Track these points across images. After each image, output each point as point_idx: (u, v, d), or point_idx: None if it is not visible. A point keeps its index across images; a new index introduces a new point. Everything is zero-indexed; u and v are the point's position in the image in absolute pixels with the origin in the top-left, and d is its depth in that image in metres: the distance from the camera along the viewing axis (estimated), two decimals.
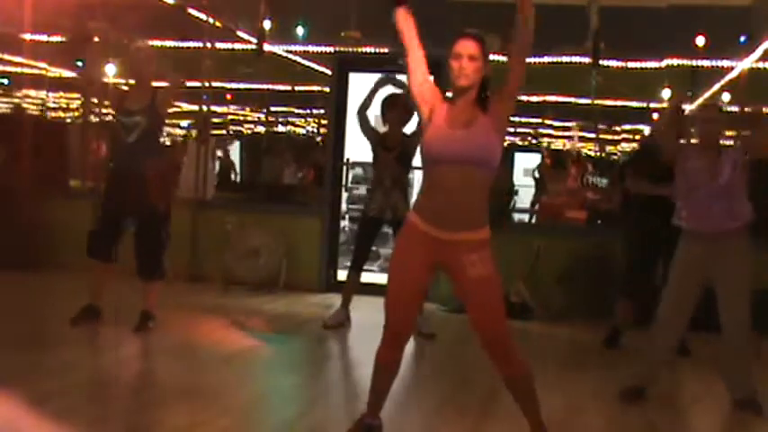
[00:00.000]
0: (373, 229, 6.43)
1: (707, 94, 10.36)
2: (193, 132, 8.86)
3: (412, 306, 3.41)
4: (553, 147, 14.11)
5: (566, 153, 12.59)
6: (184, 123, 12.60)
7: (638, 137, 12.14)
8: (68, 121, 13.00)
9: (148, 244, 5.62)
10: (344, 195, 8.91)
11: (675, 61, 9.76)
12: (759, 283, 6.94)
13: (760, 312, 5.42)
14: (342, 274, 8.16)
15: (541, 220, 9.99)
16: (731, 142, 6.11)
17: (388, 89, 6.51)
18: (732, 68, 9.31)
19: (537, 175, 11.82)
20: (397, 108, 6.22)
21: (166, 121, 5.84)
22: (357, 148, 8.19)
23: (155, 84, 5.70)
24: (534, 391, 3.52)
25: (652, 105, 10.43)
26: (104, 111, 11.27)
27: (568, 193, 10.31)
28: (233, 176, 13.34)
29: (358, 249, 6.54)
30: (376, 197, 6.35)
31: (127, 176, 5.51)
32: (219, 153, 12.79)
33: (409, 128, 6.41)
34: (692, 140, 5.16)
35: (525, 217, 11.26)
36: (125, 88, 6.30)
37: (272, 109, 14.45)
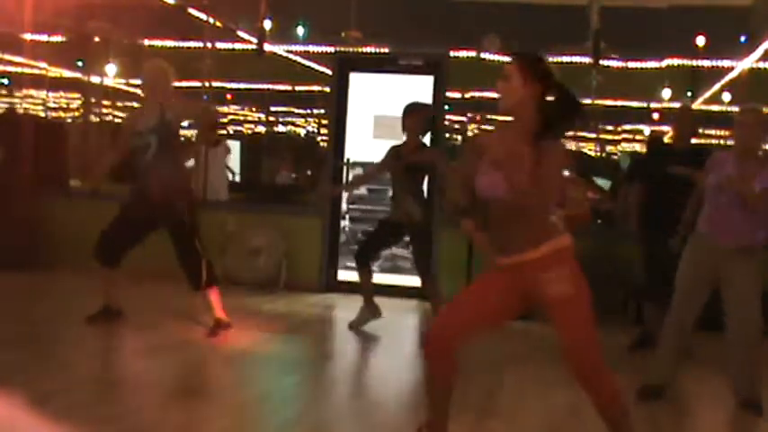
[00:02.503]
0: (389, 230, 6.40)
1: (707, 94, 10.37)
2: (191, 133, 8.84)
3: (469, 319, 3.20)
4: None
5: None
6: (185, 123, 12.61)
7: (638, 137, 12.16)
8: (68, 120, 13.01)
9: (187, 258, 5.61)
10: (345, 195, 8.92)
11: (675, 61, 9.77)
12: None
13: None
14: (342, 275, 8.16)
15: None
16: None
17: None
18: (732, 68, 9.32)
19: None
20: (417, 116, 6.16)
21: (180, 132, 5.81)
22: (357, 148, 8.20)
23: (166, 100, 5.62)
24: (625, 423, 3.30)
25: (652, 105, 10.44)
26: (105, 111, 11.30)
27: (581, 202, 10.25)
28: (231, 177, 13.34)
29: (365, 241, 6.56)
30: (392, 205, 6.39)
31: (148, 196, 5.50)
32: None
33: (427, 138, 6.40)
34: (731, 143, 5.05)
35: None
36: (137, 106, 6.26)
37: (273, 109, 14.47)
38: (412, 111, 6.19)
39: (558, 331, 3.11)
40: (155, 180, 5.48)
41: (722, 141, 13.12)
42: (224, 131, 14.85)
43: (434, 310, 6.15)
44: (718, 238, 4.54)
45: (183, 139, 5.91)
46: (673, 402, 4.88)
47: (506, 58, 3.09)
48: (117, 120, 11.55)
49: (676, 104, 9.93)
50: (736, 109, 9.33)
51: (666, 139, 8.61)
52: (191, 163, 8.76)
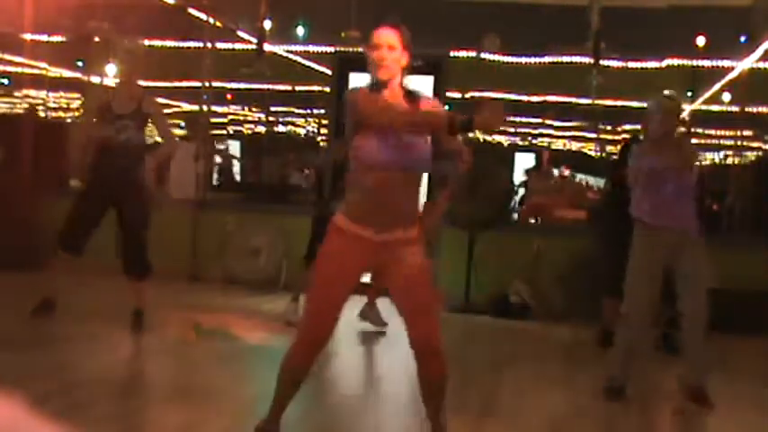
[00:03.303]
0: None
1: (707, 94, 10.37)
2: (178, 132, 8.82)
3: (339, 310, 3.18)
4: (553, 147, 14.13)
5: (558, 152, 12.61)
6: (182, 123, 12.61)
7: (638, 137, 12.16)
8: (68, 120, 13.00)
9: (135, 244, 5.61)
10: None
11: (675, 61, 9.77)
12: (760, 283, 7.00)
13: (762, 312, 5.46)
14: None
15: (523, 219, 9.88)
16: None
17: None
18: (732, 68, 9.32)
19: (524, 176, 11.77)
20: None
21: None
22: None
23: (142, 85, 5.69)
24: (444, 394, 3.29)
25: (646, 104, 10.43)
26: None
27: (555, 191, 10.26)
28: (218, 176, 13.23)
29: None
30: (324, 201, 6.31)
31: (114, 177, 5.50)
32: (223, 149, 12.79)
33: None
34: (644, 134, 5.12)
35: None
36: (113, 86, 6.27)
37: (273, 109, 14.46)
38: None
39: (408, 306, 3.16)
40: (123, 163, 5.48)
41: (722, 141, 13.12)
42: (223, 131, 14.86)
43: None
44: (668, 228, 4.58)
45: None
46: (672, 401, 4.88)
47: (388, 28, 3.17)
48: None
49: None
50: (736, 109, 9.36)
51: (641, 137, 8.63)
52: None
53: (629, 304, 4.67)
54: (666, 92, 5.02)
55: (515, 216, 10.21)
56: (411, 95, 3.15)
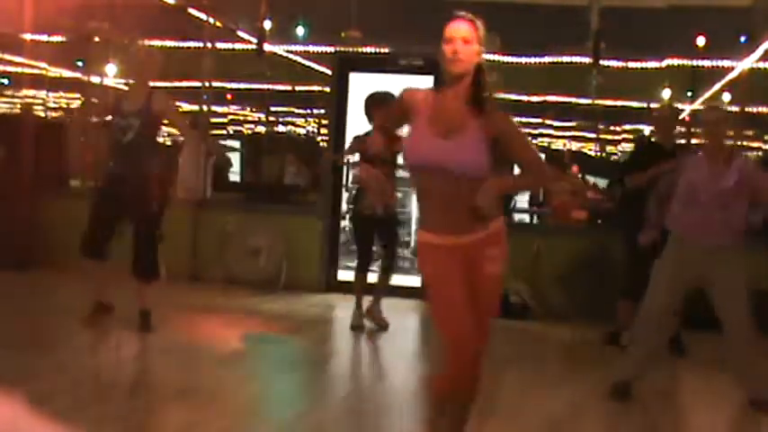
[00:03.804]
0: (371, 227, 6.38)
1: (707, 94, 10.36)
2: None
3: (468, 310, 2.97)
4: (553, 146, 14.10)
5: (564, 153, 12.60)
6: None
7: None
8: (68, 120, 13.00)
9: (145, 246, 5.62)
10: (345, 195, 8.91)
11: (675, 61, 9.76)
12: (760, 283, 7.00)
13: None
14: (342, 275, 8.16)
15: (554, 221, 9.86)
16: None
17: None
18: (732, 68, 9.31)
19: None
20: (384, 107, 6.10)
21: (165, 121, 5.82)
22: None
23: (153, 85, 5.70)
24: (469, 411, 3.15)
25: (652, 105, 10.43)
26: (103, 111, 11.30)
27: (572, 193, 10.26)
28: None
29: (362, 250, 6.51)
30: (364, 196, 6.26)
31: (122, 178, 5.51)
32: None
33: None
34: (698, 142, 5.11)
35: (526, 217, 11.24)
36: (124, 89, 6.30)
37: (273, 109, 14.45)
38: (379, 101, 6.09)
39: (476, 308, 2.96)
40: (130, 163, 5.48)
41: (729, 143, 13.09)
42: (223, 131, 14.86)
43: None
44: (700, 239, 4.55)
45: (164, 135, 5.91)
46: (672, 401, 4.88)
47: (463, 21, 3.00)
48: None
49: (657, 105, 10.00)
50: (736, 109, 9.35)
51: (653, 139, 8.62)
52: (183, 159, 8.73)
53: (649, 308, 4.67)
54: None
55: (515, 217, 10.23)
56: (477, 101, 2.95)
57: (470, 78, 2.96)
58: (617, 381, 4.69)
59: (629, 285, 6.15)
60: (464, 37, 2.94)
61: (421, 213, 3.13)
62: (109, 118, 5.68)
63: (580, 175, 11.48)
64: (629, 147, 12.38)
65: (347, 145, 6.56)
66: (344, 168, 8.30)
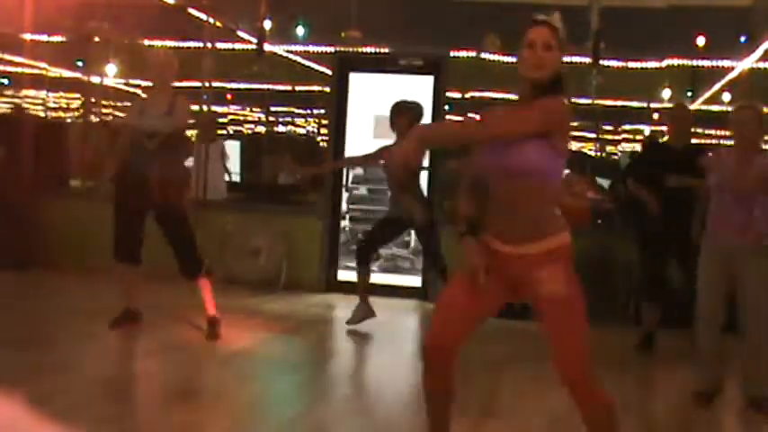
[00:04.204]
0: (388, 227, 6.42)
1: (707, 94, 10.37)
2: (193, 132, 8.83)
3: (466, 323, 2.93)
4: None
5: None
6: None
7: (638, 137, 12.15)
8: (68, 120, 13.01)
9: (182, 244, 5.59)
10: (345, 195, 8.92)
11: (675, 61, 9.77)
12: None
13: None
14: (342, 275, 8.16)
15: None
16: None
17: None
18: (732, 68, 9.32)
19: None
20: (407, 116, 6.12)
21: (188, 123, 5.82)
22: (357, 148, 8.19)
23: (174, 87, 5.68)
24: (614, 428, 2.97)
25: (652, 105, 10.44)
26: (104, 111, 11.31)
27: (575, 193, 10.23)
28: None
29: (365, 240, 6.53)
30: (391, 203, 6.50)
31: (146, 181, 5.46)
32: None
33: None
34: (730, 142, 5.08)
35: None
36: (144, 95, 6.28)
37: (273, 109, 14.45)
38: (402, 110, 6.16)
39: (546, 333, 2.88)
40: (156, 169, 5.46)
41: (722, 141, 13.12)
42: (223, 131, 14.85)
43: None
44: (728, 237, 4.57)
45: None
46: (672, 401, 4.88)
47: (545, 27, 2.81)
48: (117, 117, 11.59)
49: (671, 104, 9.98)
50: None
51: (664, 139, 8.62)
52: (190, 162, 8.76)
53: (699, 310, 4.69)
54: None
55: None
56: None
57: (548, 86, 2.81)
58: (701, 388, 4.69)
59: (648, 289, 6.14)
60: (545, 42, 2.79)
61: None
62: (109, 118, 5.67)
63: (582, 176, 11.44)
64: (629, 147, 12.38)
65: (366, 151, 6.55)
66: (345, 169, 8.30)
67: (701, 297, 4.69)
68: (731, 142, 4.84)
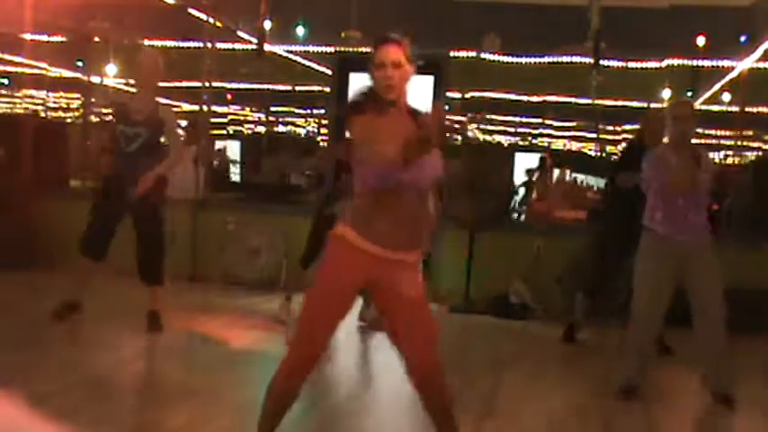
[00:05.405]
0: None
1: (707, 94, 10.38)
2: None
3: (335, 329, 3.03)
4: (553, 146, 14.13)
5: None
6: (183, 123, 12.62)
7: None
8: (68, 120, 13.02)
9: (151, 250, 5.65)
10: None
11: (676, 61, 9.78)
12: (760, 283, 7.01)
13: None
14: None
15: (529, 219, 9.91)
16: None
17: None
18: (732, 68, 9.33)
19: (526, 176, 11.76)
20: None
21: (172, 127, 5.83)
22: None
23: (159, 90, 5.71)
24: (454, 417, 3.12)
25: (652, 105, 10.44)
26: (104, 111, 11.32)
27: (557, 193, 10.25)
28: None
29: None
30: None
31: (125, 183, 5.50)
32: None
33: None
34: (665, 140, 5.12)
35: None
36: (129, 95, 6.30)
37: (273, 109, 14.46)
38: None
39: (402, 329, 3.02)
40: (134, 170, 5.47)
41: (722, 142, 13.13)
42: (223, 131, 14.87)
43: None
44: (678, 237, 4.58)
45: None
46: (671, 401, 4.88)
47: (392, 45, 3.02)
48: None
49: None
50: (736, 109, 9.35)
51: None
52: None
53: (637, 309, 4.68)
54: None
55: (516, 216, 10.22)
56: (414, 113, 2.98)
57: (406, 103, 3.00)
58: (624, 383, 4.69)
59: (593, 282, 6.17)
60: (394, 61, 2.97)
61: (357, 213, 2.98)
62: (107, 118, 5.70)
63: (567, 175, 11.43)
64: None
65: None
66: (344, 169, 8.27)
67: (642, 297, 4.66)
68: (666, 139, 4.90)
